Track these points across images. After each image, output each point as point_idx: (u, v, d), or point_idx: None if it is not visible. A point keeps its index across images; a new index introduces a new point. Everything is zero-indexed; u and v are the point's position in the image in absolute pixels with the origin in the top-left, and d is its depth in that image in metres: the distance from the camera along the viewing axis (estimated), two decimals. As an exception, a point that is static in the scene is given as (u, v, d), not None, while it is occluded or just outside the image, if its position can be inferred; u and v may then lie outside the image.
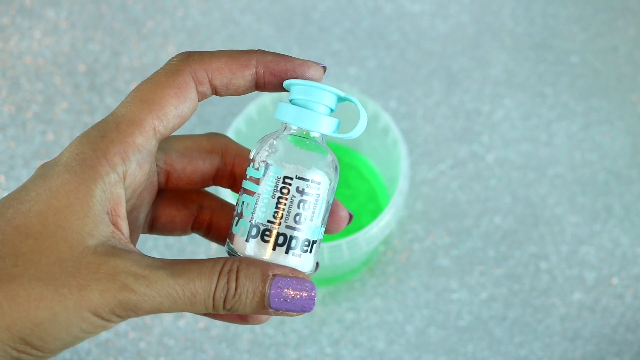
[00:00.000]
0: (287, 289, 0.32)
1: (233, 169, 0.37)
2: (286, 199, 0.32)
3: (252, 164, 0.33)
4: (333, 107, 0.34)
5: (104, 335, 0.60)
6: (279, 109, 0.33)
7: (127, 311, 0.30)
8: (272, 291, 0.31)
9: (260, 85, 0.34)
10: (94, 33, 0.70)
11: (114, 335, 0.60)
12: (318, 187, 0.33)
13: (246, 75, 0.33)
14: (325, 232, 0.35)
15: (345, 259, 0.55)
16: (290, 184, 0.32)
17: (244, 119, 0.58)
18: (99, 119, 0.67)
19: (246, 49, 0.34)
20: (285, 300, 0.31)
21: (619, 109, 0.69)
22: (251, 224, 0.32)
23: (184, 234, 0.38)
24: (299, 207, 0.32)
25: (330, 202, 0.34)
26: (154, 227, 0.37)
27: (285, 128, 0.33)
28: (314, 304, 0.32)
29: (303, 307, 0.32)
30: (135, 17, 0.71)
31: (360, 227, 0.54)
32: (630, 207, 0.65)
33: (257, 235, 0.32)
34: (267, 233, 0.32)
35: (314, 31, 0.71)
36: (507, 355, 0.61)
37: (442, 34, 0.71)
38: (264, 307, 0.31)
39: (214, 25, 0.71)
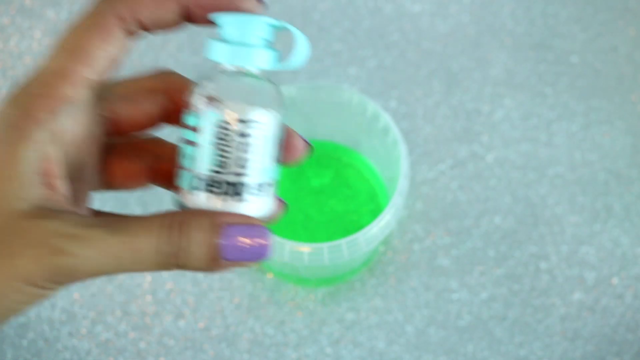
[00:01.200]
0: (241, 236, 0.30)
1: (182, 105, 0.34)
2: (229, 145, 0.30)
3: (188, 113, 0.31)
4: (269, 39, 0.32)
5: (103, 335, 0.60)
6: (210, 47, 0.31)
7: (64, 276, 0.28)
8: (225, 241, 0.29)
9: (190, 19, 0.31)
10: (94, 33, 0.70)
11: (113, 335, 0.60)
12: (263, 126, 0.30)
13: (172, 7, 0.31)
14: (283, 164, 0.33)
15: (345, 259, 0.55)
16: (231, 128, 0.30)
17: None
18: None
19: None
20: (240, 249, 0.30)
21: (619, 109, 0.69)
22: (195, 175, 0.30)
23: (142, 187, 0.35)
24: (244, 151, 0.30)
25: (282, 136, 0.32)
26: (108, 183, 0.34)
27: (219, 68, 0.31)
28: (268, 250, 0.30)
29: (259, 254, 0.30)
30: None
31: (360, 227, 0.54)
32: (630, 207, 0.65)
33: (203, 186, 0.30)
34: (213, 183, 0.30)
35: (314, 31, 0.71)
36: (507, 355, 0.61)
37: (442, 34, 0.71)
38: (217, 259, 0.29)
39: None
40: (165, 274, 0.62)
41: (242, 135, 0.30)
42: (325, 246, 0.54)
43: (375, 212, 0.63)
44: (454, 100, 0.68)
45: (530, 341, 0.61)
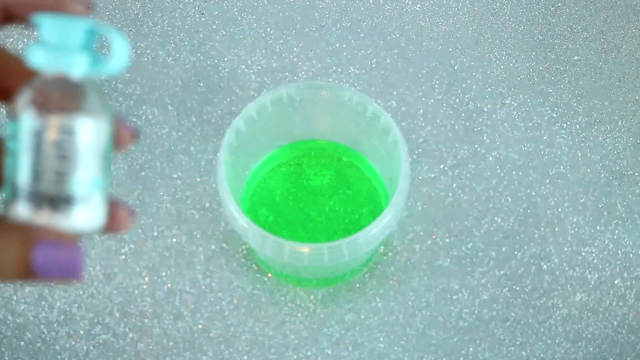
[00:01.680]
0: (50, 254, 0.29)
1: (4, 87, 0.32)
2: (47, 155, 0.29)
3: (10, 116, 0.30)
4: (88, 42, 0.30)
5: (102, 336, 0.60)
6: (30, 51, 0.29)
7: None
8: (36, 258, 0.29)
9: (9, 19, 0.29)
10: (93, 32, 0.70)
11: (112, 336, 0.60)
12: (84, 134, 0.29)
13: None
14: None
15: (345, 259, 0.54)
16: (49, 137, 0.29)
17: (243, 119, 0.58)
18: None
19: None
20: (50, 266, 0.29)
21: (621, 108, 0.68)
22: (14, 185, 0.29)
23: None
24: (64, 161, 0.29)
25: (107, 141, 0.30)
26: None
27: (39, 74, 0.30)
28: (80, 269, 0.29)
29: (69, 272, 0.29)
30: (134, 16, 0.71)
31: (360, 228, 0.54)
32: (632, 207, 0.65)
33: (23, 197, 0.29)
34: (32, 195, 0.29)
35: (314, 30, 0.70)
36: (508, 357, 0.61)
37: (443, 33, 0.71)
38: (29, 272, 0.29)
39: (213, 24, 0.70)
40: (164, 274, 0.62)
41: (60, 144, 0.29)
42: (325, 246, 0.53)
43: (376, 212, 0.63)
44: (454, 99, 0.68)
45: (531, 342, 0.61)
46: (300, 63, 0.69)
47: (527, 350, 0.61)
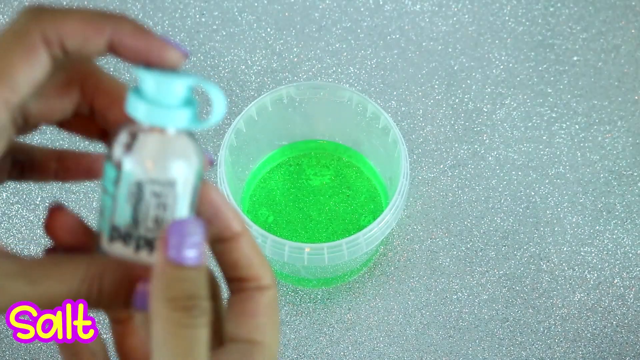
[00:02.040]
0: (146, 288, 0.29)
1: (93, 106, 0.32)
2: (142, 204, 0.30)
3: (107, 160, 0.30)
4: (188, 96, 0.31)
5: (103, 335, 0.60)
6: (130, 101, 0.30)
7: None
8: (139, 296, 0.29)
9: (116, 53, 0.30)
10: (93, 32, 0.70)
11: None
12: (179, 184, 0.30)
13: (99, 42, 0.29)
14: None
15: (345, 259, 0.54)
16: (147, 188, 0.30)
17: (244, 119, 0.58)
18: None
19: (104, 10, 0.29)
20: (145, 300, 0.29)
21: (621, 108, 0.68)
22: (112, 224, 0.30)
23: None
24: (160, 210, 0.30)
25: (198, 180, 0.31)
26: (23, 171, 0.34)
27: (138, 124, 0.30)
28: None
29: (144, 306, 0.30)
30: (134, 16, 0.71)
31: (360, 228, 0.54)
32: (631, 207, 0.65)
33: (120, 237, 0.30)
34: (129, 236, 0.30)
35: (314, 30, 0.70)
36: (508, 356, 0.61)
37: (442, 33, 0.71)
38: (129, 307, 0.30)
39: (214, 24, 0.71)
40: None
41: (161, 195, 0.30)
42: (325, 246, 0.53)
43: (375, 212, 0.63)
44: (454, 99, 0.68)
45: (531, 342, 0.61)
46: (300, 63, 0.69)
47: (526, 350, 0.61)
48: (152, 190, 0.30)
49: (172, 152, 0.30)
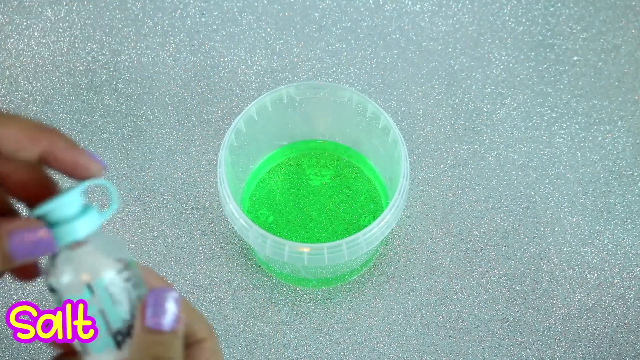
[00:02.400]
0: (24, 238, 0.31)
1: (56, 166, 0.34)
2: (124, 297, 0.33)
3: (63, 296, 0.33)
4: (83, 205, 0.33)
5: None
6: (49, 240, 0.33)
7: None
8: (11, 245, 0.31)
9: (47, 164, 0.33)
10: (93, 32, 0.70)
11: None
12: (95, 298, 0.32)
13: (33, 151, 0.32)
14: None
15: (345, 259, 0.54)
16: (91, 298, 0.32)
17: (244, 119, 0.58)
18: (98, 119, 0.67)
19: (42, 123, 0.32)
20: (26, 248, 0.31)
21: (621, 108, 0.68)
22: (113, 332, 0.33)
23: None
24: (118, 306, 0.33)
25: (136, 288, 0.34)
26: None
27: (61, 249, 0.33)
28: (53, 243, 0.32)
29: (47, 248, 0.32)
30: (134, 16, 0.71)
31: (360, 228, 0.54)
32: (632, 207, 0.65)
33: (122, 337, 0.33)
34: (116, 340, 0.33)
35: (314, 30, 0.70)
36: (507, 356, 0.61)
37: (442, 33, 0.71)
38: (9, 262, 0.31)
39: (214, 24, 0.71)
40: (164, 274, 0.62)
41: (116, 294, 0.32)
42: (325, 246, 0.53)
43: (375, 212, 0.63)
44: (454, 99, 0.68)
45: (531, 342, 0.61)
46: (300, 63, 0.69)
47: (526, 350, 0.61)
48: (92, 299, 0.32)
49: (89, 259, 0.32)
